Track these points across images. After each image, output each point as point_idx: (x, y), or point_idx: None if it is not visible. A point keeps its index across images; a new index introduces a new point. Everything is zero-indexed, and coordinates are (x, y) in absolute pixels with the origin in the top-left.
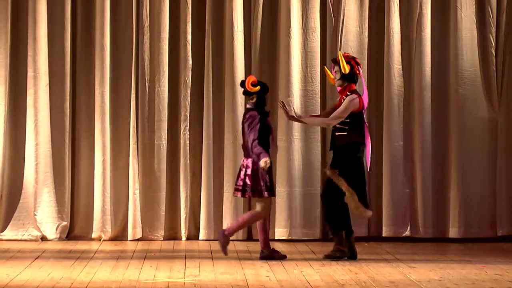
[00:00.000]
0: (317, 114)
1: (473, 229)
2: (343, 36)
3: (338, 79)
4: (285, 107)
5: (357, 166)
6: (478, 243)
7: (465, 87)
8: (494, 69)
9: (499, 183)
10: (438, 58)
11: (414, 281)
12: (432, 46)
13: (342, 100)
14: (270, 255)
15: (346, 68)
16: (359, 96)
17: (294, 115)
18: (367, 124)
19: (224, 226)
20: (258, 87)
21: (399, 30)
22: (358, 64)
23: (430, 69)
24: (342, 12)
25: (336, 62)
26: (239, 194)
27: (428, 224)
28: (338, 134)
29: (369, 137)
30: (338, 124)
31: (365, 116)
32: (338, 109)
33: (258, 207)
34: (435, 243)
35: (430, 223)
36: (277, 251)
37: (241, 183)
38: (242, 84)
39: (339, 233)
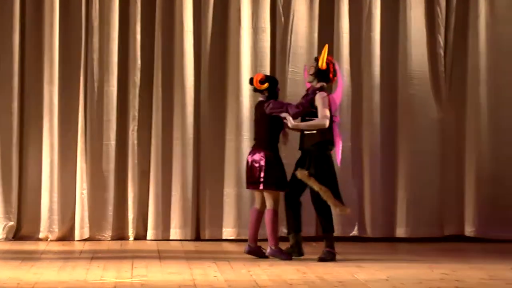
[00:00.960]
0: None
1: (420, 229)
2: (292, 36)
3: (311, 74)
4: (285, 119)
5: (328, 165)
6: (426, 243)
7: (414, 88)
8: (443, 69)
9: (446, 183)
10: (387, 59)
11: (362, 280)
12: (381, 47)
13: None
14: (254, 252)
15: (324, 64)
16: (328, 94)
17: (291, 125)
18: (337, 122)
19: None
20: (266, 84)
21: (349, 31)
22: (335, 70)
23: (379, 69)
24: (292, 13)
25: (316, 59)
26: (258, 186)
27: (376, 224)
28: (308, 133)
29: (339, 135)
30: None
31: (338, 115)
32: (320, 109)
33: (269, 200)
34: (382, 242)
35: (378, 222)
36: (261, 251)
37: (256, 175)
38: (251, 81)
39: (327, 234)
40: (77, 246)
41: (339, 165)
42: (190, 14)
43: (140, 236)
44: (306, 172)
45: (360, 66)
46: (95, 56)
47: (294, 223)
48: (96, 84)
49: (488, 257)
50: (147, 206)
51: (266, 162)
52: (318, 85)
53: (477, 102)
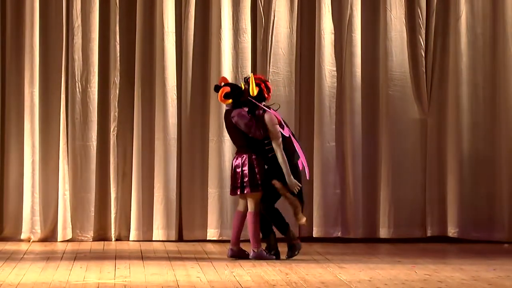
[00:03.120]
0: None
1: (403, 230)
2: (273, 37)
3: (242, 100)
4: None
5: (295, 175)
6: (408, 244)
7: (395, 88)
8: (424, 70)
9: (428, 184)
10: (369, 59)
11: (345, 281)
12: (363, 47)
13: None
14: (237, 255)
15: (255, 92)
16: (269, 110)
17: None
18: (293, 133)
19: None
20: (230, 101)
21: (330, 31)
22: (268, 88)
23: (360, 70)
24: (272, 13)
25: (246, 81)
26: (241, 191)
27: (358, 225)
28: (272, 155)
29: (299, 147)
30: (267, 146)
31: (285, 126)
32: (270, 134)
33: (250, 203)
34: (365, 243)
35: (361, 223)
36: (244, 253)
37: (239, 180)
38: (216, 89)
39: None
40: (60, 247)
41: (307, 178)
42: (171, 15)
43: (123, 237)
44: (281, 183)
45: (342, 66)
46: (76, 56)
47: (267, 226)
48: (77, 85)
49: (470, 258)
50: (130, 207)
51: (248, 166)
52: (260, 109)
53: (458, 102)
